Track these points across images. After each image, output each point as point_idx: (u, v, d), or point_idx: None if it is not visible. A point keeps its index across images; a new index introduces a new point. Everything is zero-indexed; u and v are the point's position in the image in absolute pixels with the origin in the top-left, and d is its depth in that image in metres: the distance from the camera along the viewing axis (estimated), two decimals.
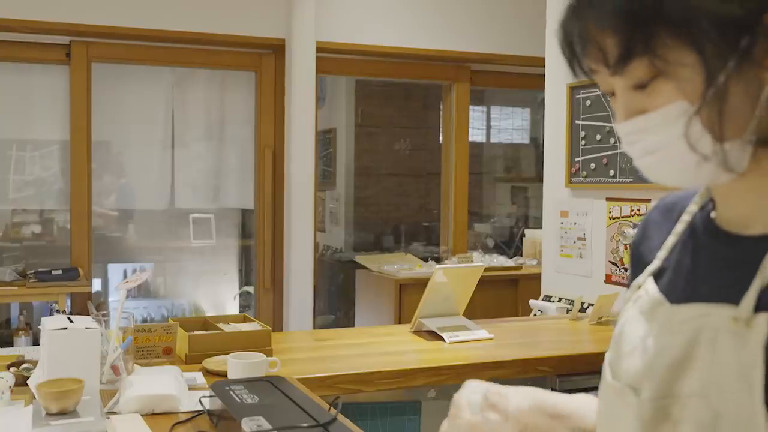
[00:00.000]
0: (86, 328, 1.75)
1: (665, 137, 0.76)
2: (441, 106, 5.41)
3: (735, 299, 0.75)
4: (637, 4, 0.73)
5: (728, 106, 0.73)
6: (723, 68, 0.72)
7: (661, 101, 0.75)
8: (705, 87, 0.73)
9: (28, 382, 1.80)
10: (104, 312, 1.97)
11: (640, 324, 0.85)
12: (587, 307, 3.03)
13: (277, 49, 4.53)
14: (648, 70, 0.75)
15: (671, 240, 0.89)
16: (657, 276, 0.88)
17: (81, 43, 4.24)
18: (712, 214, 0.85)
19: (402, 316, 4.31)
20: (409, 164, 6.65)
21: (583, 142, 3.41)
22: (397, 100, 6.60)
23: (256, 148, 4.65)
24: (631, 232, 2.99)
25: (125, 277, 3.76)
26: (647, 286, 0.88)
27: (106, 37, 4.21)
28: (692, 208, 0.88)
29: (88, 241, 4.33)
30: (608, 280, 3.28)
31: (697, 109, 0.73)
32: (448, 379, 2.20)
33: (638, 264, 0.95)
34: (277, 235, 4.57)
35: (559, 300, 3.38)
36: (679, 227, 0.89)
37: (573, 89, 3.46)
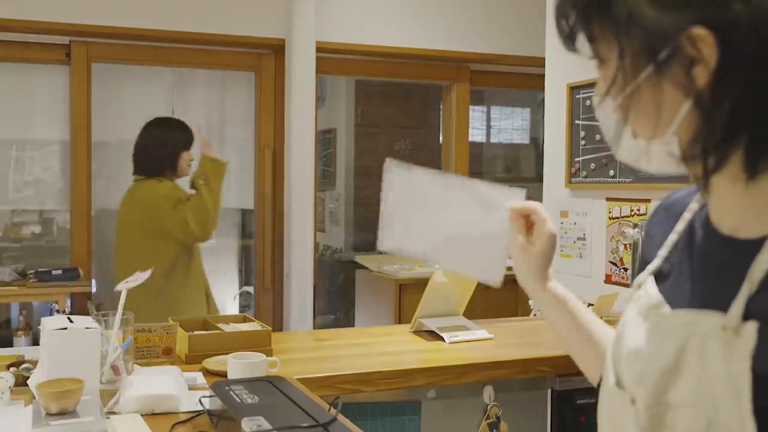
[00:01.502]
0: (86, 328, 1.75)
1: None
2: (441, 106, 5.41)
3: (725, 305, 0.75)
4: None
5: (637, 107, 0.78)
6: (638, 72, 0.76)
7: (600, 85, 0.83)
8: (613, 80, 0.79)
9: (28, 382, 1.80)
10: (104, 312, 1.97)
11: (638, 325, 0.85)
12: (587, 307, 3.03)
13: (277, 49, 4.53)
14: (590, 54, 0.82)
15: (672, 238, 0.89)
16: (658, 276, 0.88)
17: (81, 43, 4.23)
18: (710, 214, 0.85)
19: (402, 316, 4.31)
20: (409, 164, 6.64)
21: (583, 142, 3.41)
22: (397, 100, 6.60)
23: (256, 148, 4.65)
24: (631, 232, 2.99)
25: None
26: (647, 286, 0.88)
27: (106, 37, 4.21)
28: (693, 206, 0.88)
29: (88, 241, 4.33)
30: (608, 280, 3.28)
31: (603, 97, 0.81)
32: (448, 379, 2.20)
33: (642, 262, 0.95)
34: (277, 235, 4.57)
35: None
36: (680, 226, 0.89)
37: (573, 89, 3.46)
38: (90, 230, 4.34)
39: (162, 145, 3.47)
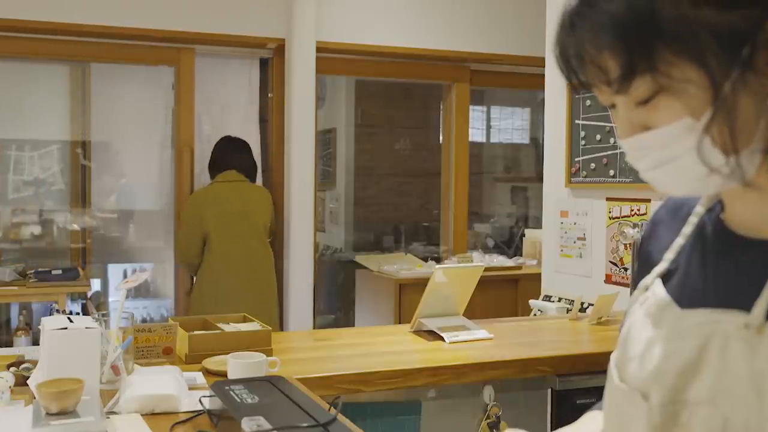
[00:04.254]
0: (86, 328, 1.75)
1: (672, 153, 0.75)
2: (441, 106, 5.41)
3: (746, 305, 0.74)
4: (633, 23, 0.72)
5: (736, 118, 0.72)
6: (727, 81, 0.71)
7: (666, 117, 0.75)
8: (711, 101, 0.72)
9: (28, 382, 1.80)
10: (104, 312, 1.97)
11: (647, 327, 0.84)
12: (587, 307, 3.03)
13: (277, 49, 4.53)
14: (650, 87, 0.74)
15: (679, 241, 0.89)
16: (665, 278, 0.88)
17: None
18: (722, 216, 0.85)
19: (402, 316, 4.31)
20: (409, 164, 6.65)
21: (583, 142, 3.41)
22: (397, 100, 6.60)
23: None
24: (631, 231, 2.99)
25: (125, 277, 3.76)
26: (655, 287, 0.87)
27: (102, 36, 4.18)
28: (699, 209, 0.88)
29: None
30: (608, 280, 3.28)
31: (706, 125, 0.73)
32: (448, 379, 2.20)
33: (645, 263, 0.94)
34: (277, 235, 4.57)
35: (559, 300, 3.38)
36: (687, 229, 0.88)
37: (573, 89, 3.46)
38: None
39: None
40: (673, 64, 0.73)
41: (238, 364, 1.88)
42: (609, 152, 3.27)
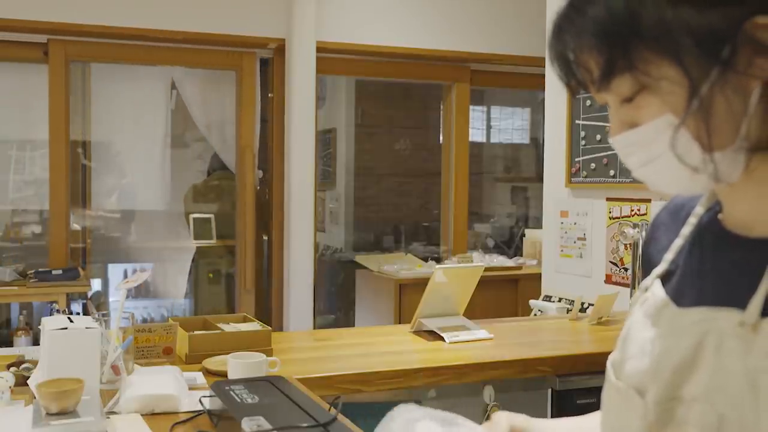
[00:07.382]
0: (86, 328, 1.75)
1: (656, 150, 0.77)
2: (441, 106, 5.41)
3: (741, 303, 0.75)
4: (613, 23, 0.74)
5: (714, 116, 0.73)
6: (705, 79, 0.72)
7: (649, 114, 0.76)
8: (689, 99, 0.73)
9: (28, 382, 1.80)
10: (104, 312, 1.97)
11: (646, 327, 0.85)
12: (587, 307, 3.03)
13: (277, 49, 4.53)
14: (632, 85, 0.76)
15: (678, 242, 0.89)
16: (664, 278, 0.88)
17: (58, 42, 4.14)
18: (719, 216, 0.85)
19: (402, 316, 4.31)
20: (409, 164, 6.65)
21: (583, 142, 3.41)
22: (397, 100, 6.60)
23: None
24: (632, 232, 2.99)
25: (125, 277, 3.76)
26: (654, 288, 0.88)
27: (97, 36, 4.19)
28: (698, 210, 0.88)
29: (67, 242, 4.25)
30: (608, 280, 3.28)
31: (681, 122, 0.74)
32: (448, 379, 2.20)
33: (647, 265, 0.95)
34: (277, 235, 4.57)
35: (559, 300, 3.38)
36: (686, 230, 0.89)
37: (570, 91, 3.45)
38: (67, 230, 4.22)
39: None
40: (652, 63, 0.74)
41: (238, 364, 1.88)
42: (609, 152, 3.27)
